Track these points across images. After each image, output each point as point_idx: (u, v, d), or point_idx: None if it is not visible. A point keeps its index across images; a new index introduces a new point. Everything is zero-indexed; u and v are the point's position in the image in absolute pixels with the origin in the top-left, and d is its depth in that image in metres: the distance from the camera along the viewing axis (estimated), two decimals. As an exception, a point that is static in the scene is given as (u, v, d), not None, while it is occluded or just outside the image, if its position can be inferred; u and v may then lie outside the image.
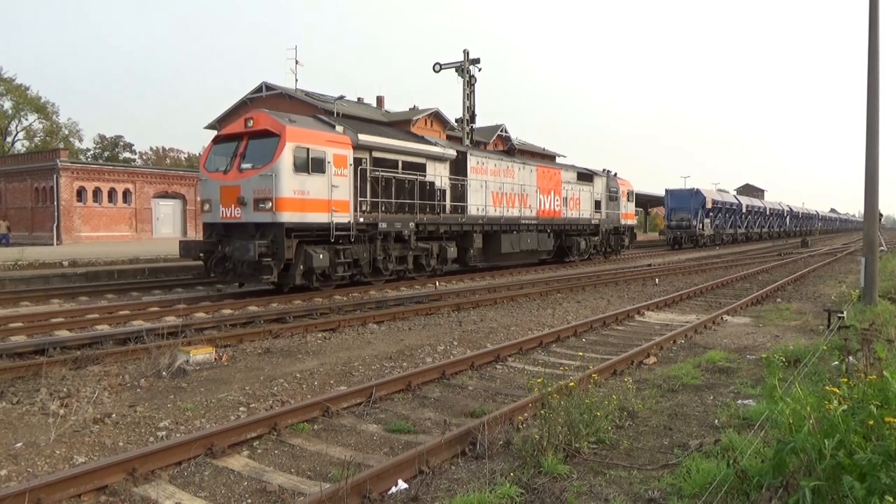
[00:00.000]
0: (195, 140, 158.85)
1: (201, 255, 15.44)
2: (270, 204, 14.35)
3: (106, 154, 70.93)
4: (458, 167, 20.78)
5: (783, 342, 9.87)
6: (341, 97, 41.69)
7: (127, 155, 73.17)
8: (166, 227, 38.40)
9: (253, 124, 15.37)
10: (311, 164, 15.04)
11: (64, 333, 10.30)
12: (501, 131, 59.67)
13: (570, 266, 26.87)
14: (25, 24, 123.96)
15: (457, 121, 32.45)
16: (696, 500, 3.96)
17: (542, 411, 5.42)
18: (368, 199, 16.77)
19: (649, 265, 26.98)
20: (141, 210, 36.66)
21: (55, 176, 33.26)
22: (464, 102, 29.98)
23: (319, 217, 15.30)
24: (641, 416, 6.20)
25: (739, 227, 56.43)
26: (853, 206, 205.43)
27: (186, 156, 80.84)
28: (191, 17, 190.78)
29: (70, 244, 31.94)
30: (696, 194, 47.81)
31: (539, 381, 6.04)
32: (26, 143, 65.54)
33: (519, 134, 67.19)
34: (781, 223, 70.99)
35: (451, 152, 20.55)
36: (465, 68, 29.59)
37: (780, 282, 19.06)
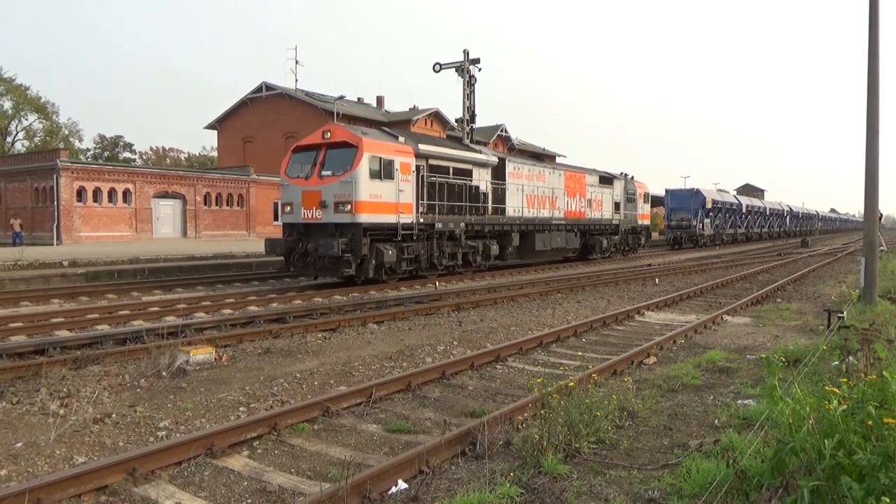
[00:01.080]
0: (195, 140, 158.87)
1: (285, 250, 17.21)
2: (350, 206, 16.26)
3: (106, 154, 70.95)
4: (498, 172, 22.60)
5: (783, 342, 9.87)
6: (341, 97, 41.71)
7: (127, 155, 73.24)
8: (166, 227, 38.35)
9: (330, 136, 17.36)
10: (382, 172, 17.03)
11: (64, 333, 10.30)
12: (501, 131, 59.69)
13: (571, 266, 26.92)
14: (25, 24, 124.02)
15: (457, 121, 32.41)
16: (696, 500, 3.96)
17: (542, 411, 5.43)
18: (426, 201, 18.74)
19: (649, 265, 26.99)
20: (141, 210, 36.61)
21: (55, 176, 33.21)
22: (464, 102, 29.95)
23: (389, 218, 17.30)
24: (641, 416, 6.20)
25: (739, 227, 56.42)
26: (853, 206, 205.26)
27: (186, 156, 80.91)
28: (191, 17, 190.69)
29: (70, 244, 31.90)
30: (696, 194, 47.80)
31: (539, 381, 6.04)
32: (26, 143, 65.64)
33: (519, 134, 67.19)
34: (781, 223, 70.99)
35: (494, 159, 22.48)
36: (465, 68, 29.56)
37: (780, 282, 19.06)
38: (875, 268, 12.37)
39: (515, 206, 23.35)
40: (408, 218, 17.84)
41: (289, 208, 17.40)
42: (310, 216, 16.86)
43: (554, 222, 25.99)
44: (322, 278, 18.06)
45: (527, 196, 24.11)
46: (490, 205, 22.00)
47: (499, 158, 22.89)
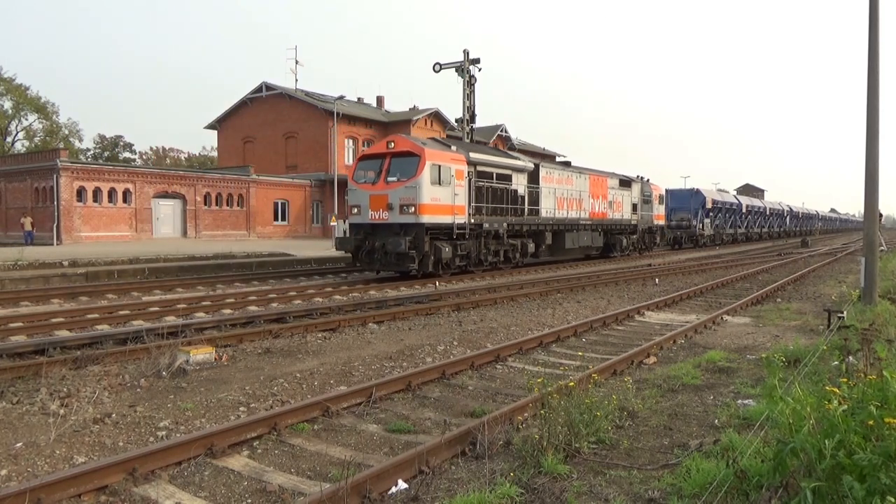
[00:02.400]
0: (195, 140, 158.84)
1: (353, 248, 19.28)
2: (414, 208, 18.34)
3: (106, 154, 71.01)
4: (533, 177, 24.62)
5: (783, 342, 9.87)
6: (341, 97, 41.69)
7: (127, 155, 73.31)
8: (166, 227, 38.31)
9: (395, 146, 19.52)
10: (441, 178, 19.10)
11: (64, 333, 10.30)
12: (501, 131, 59.70)
13: (571, 266, 26.92)
14: (25, 24, 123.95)
15: (457, 121, 32.48)
16: (696, 500, 3.96)
17: (542, 411, 5.43)
18: (474, 204, 20.75)
19: (649, 265, 26.98)
20: (141, 210, 36.57)
21: (55, 176, 33.18)
22: (464, 102, 29.99)
23: (446, 219, 19.34)
24: (641, 416, 6.20)
25: (739, 227, 56.40)
26: (853, 206, 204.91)
27: (186, 156, 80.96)
28: (190, 17, 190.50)
29: (70, 244, 31.90)
30: (696, 194, 47.77)
31: (539, 381, 6.04)
32: (26, 143, 65.68)
33: (519, 134, 67.21)
34: (781, 223, 70.97)
35: (530, 165, 24.65)
36: (465, 68, 29.60)
37: (780, 282, 19.06)
38: (875, 268, 12.37)
39: (548, 207, 25.32)
40: (461, 219, 19.91)
41: (356, 210, 19.44)
42: (376, 217, 18.96)
43: (581, 223, 27.93)
44: (384, 272, 20.13)
45: (557, 198, 26.12)
46: (526, 206, 23.94)
47: (534, 164, 25.03)
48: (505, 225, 22.30)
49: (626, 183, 33.28)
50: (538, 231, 24.85)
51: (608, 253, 31.55)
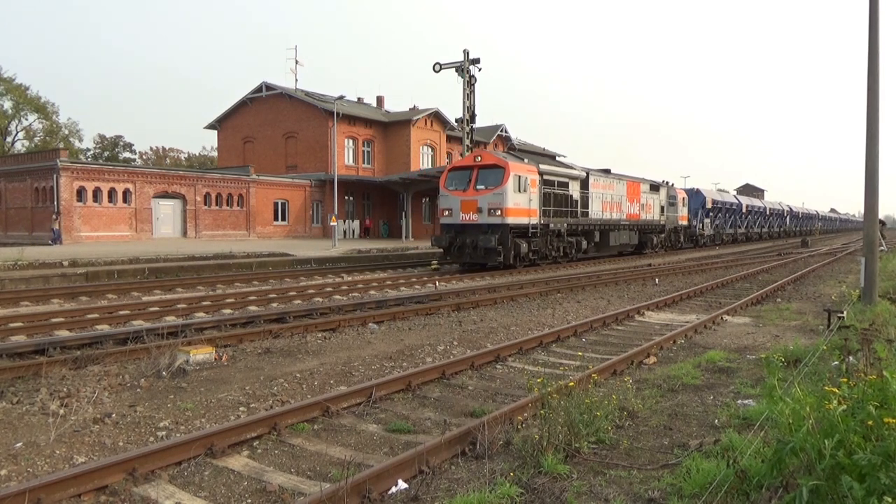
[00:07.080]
0: (195, 140, 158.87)
1: (446, 244, 22.78)
2: (500, 212, 22.00)
3: (106, 154, 71.05)
4: (584, 184, 28.21)
5: (783, 342, 9.86)
6: (341, 97, 41.63)
7: (127, 155, 73.37)
8: (166, 227, 38.26)
9: (481, 160, 23.39)
10: (521, 186, 22.76)
11: (64, 333, 10.29)
12: (501, 131, 59.68)
13: (571, 266, 26.96)
14: (25, 24, 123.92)
15: (457, 121, 32.55)
16: (696, 500, 3.96)
17: (541, 411, 5.43)
18: (542, 207, 24.38)
19: (649, 265, 26.98)
20: (141, 210, 36.54)
21: (55, 176, 33.15)
22: (464, 102, 30.02)
23: (523, 220, 23.04)
24: (641, 416, 6.20)
25: (739, 227, 56.36)
26: (853, 206, 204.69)
27: (186, 156, 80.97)
28: (190, 17, 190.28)
29: (70, 244, 31.89)
30: (696, 194, 47.70)
31: (539, 381, 6.04)
32: (26, 143, 65.71)
33: (519, 134, 67.21)
34: (781, 223, 70.95)
35: (583, 174, 28.31)
36: (465, 68, 29.63)
37: (780, 282, 19.06)
38: (875, 268, 12.37)
39: (596, 210, 28.95)
40: (535, 220, 23.63)
41: (447, 213, 23.14)
42: (467, 219, 22.54)
43: (621, 223, 31.53)
44: (467, 265, 23.34)
45: (603, 202, 29.70)
46: (579, 209, 27.52)
47: (585, 172, 28.54)
48: (565, 225, 26.06)
49: (655, 187, 36.55)
50: (589, 230, 28.39)
51: (641, 250, 34.88)
